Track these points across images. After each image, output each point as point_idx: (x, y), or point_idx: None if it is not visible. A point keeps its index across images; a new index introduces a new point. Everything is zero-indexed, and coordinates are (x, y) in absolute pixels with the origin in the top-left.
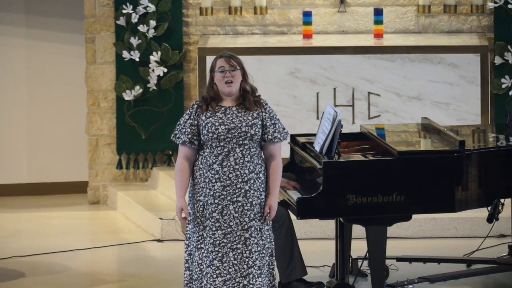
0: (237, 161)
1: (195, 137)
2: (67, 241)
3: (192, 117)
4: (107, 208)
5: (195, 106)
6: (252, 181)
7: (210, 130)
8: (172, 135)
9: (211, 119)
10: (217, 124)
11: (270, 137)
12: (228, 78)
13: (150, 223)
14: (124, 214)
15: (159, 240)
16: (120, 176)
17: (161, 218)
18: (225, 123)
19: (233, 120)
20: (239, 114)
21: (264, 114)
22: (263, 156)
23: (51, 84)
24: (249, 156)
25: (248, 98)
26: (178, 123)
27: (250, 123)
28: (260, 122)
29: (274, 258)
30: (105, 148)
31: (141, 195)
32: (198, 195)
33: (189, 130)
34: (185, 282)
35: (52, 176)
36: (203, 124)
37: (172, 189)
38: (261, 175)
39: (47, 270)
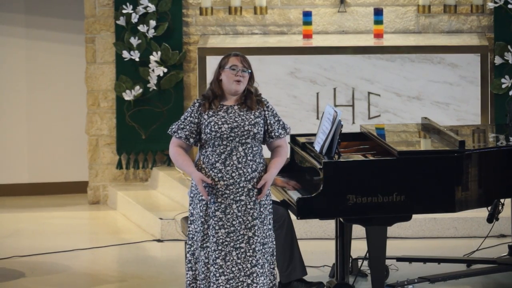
0: (240, 160)
1: (192, 135)
2: (67, 241)
3: (193, 115)
4: (107, 208)
5: (197, 104)
6: (255, 180)
7: (213, 129)
8: (170, 129)
9: (213, 118)
10: (220, 123)
11: (276, 133)
12: (238, 77)
13: (150, 223)
14: (124, 214)
15: (159, 240)
16: (120, 176)
17: (161, 218)
18: (228, 122)
19: (236, 119)
20: (241, 113)
21: (266, 112)
22: (270, 148)
23: (51, 84)
24: (251, 155)
25: (250, 98)
26: (179, 119)
27: (252, 122)
28: (262, 121)
29: (274, 257)
30: (105, 148)
31: (141, 195)
32: (200, 194)
33: (187, 127)
34: (188, 282)
35: (52, 176)
36: (206, 123)
37: (172, 189)
38: (263, 173)
39: (47, 270)
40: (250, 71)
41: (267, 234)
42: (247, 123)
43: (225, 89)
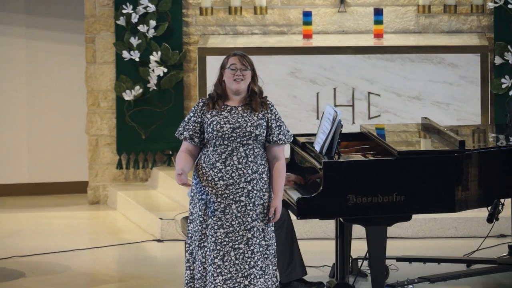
0: (240, 160)
1: (196, 134)
2: (67, 241)
3: (196, 115)
4: (107, 208)
5: (201, 104)
6: (255, 181)
7: (215, 128)
8: (177, 131)
9: (216, 117)
10: (222, 122)
11: (275, 138)
12: (238, 76)
13: (150, 223)
14: (124, 214)
15: (159, 240)
16: (120, 176)
17: (161, 218)
18: (230, 122)
19: (238, 120)
20: (245, 114)
21: (270, 115)
22: (267, 158)
23: (51, 84)
24: (252, 156)
25: (255, 99)
26: (184, 120)
27: (255, 124)
28: (265, 123)
29: (276, 258)
30: (105, 148)
31: (141, 195)
32: (200, 193)
33: (191, 127)
34: (186, 281)
35: (52, 176)
36: (208, 122)
37: (172, 189)
38: (264, 175)
39: (47, 270)
40: (250, 68)
41: (271, 235)
42: (249, 124)
43: (228, 89)
